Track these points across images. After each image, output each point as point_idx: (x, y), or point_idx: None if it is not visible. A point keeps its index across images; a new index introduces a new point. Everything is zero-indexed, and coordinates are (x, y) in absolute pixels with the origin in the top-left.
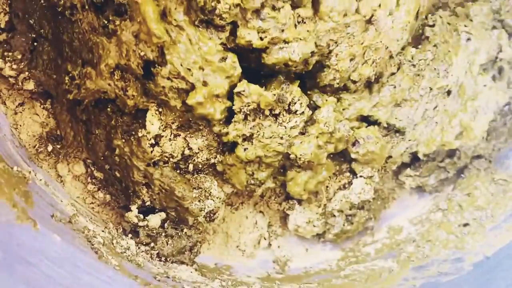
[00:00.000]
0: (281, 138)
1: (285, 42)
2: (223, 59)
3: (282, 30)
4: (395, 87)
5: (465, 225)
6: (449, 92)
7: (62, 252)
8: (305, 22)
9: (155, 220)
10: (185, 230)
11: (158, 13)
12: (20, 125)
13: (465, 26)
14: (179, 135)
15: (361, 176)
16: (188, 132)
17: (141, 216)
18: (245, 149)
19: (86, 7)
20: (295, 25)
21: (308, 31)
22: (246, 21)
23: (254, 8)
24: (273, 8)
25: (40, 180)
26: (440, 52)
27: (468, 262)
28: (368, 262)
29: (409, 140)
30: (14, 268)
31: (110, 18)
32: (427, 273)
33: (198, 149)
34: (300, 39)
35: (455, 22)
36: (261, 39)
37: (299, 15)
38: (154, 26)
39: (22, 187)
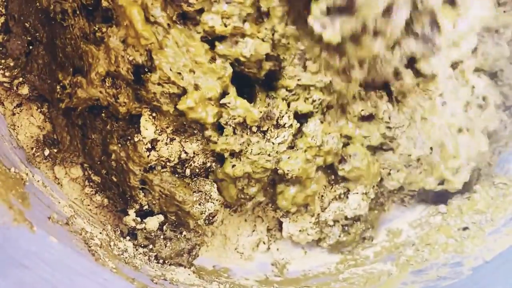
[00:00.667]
0: (269, 155)
1: (242, 36)
2: (213, 59)
3: (245, 21)
4: (365, 137)
5: (465, 229)
6: (431, 148)
7: (59, 254)
8: (264, 21)
9: (152, 223)
10: (184, 232)
11: (144, 15)
12: (18, 126)
13: (437, 88)
14: (175, 139)
15: (356, 193)
16: (183, 137)
17: (139, 219)
18: (233, 166)
19: (77, 12)
20: (256, 22)
21: (266, 29)
22: (211, 4)
23: None
24: None
25: (38, 181)
26: (417, 117)
27: (468, 267)
28: (367, 265)
29: (393, 179)
30: (9, 272)
31: (97, 26)
32: (426, 277)
33: (194, 153)
34: (258, 37)
35: (425, 86)
36: (225, 25)
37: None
38: (141, 28)
39: (19, 188)
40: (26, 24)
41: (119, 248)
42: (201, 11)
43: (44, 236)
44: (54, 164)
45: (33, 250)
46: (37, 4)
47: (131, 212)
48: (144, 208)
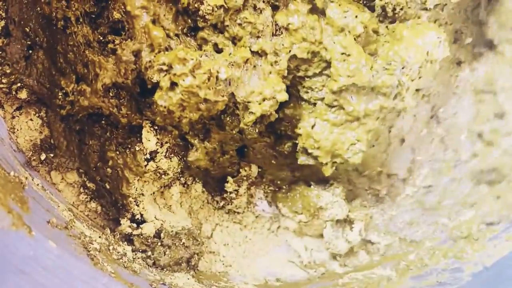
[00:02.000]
0: None
1: None
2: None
3: None
4: None
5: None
6: None
7: (57, 259)
8: None
9: (149, 228)
10: (183, 240)
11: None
12: (18, 130)
13: None
14: (175, 152)
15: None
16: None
17: (135, 225)
18: None
19: (81, 20)
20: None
21: None
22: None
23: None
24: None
25: (37, 185)
26: None
27: (467, 272)
28: (367, 270)
29: None
30: (7, 277)
31: (109, 38)
32: (426, 282)
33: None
34: None
35: None
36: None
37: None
38: (158, 33)
39: (18, 192)
40: (26, 28)
41: (118, 253)
42: (215, 26)
43: (43, 241)
44: (50, 169)
45: (31, 255)
46: (38, 9)
47: (123, 222)
48: (136, 217)
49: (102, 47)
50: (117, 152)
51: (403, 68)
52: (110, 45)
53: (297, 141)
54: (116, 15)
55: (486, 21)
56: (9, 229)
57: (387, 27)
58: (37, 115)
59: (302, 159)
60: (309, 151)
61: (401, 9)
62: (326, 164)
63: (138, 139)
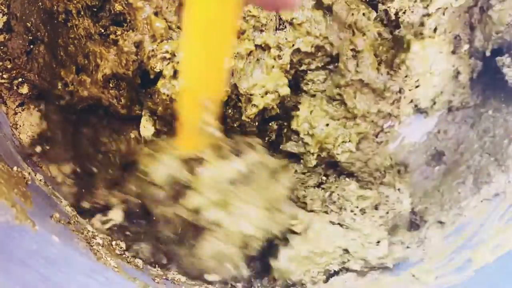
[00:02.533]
0: None
1: None
2: None
3: None
4: None
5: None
6: None
7: (60, 253)
8: None
9: (114, 214)
10: None
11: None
12: (20, 126)
13: None
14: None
15: None
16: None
17: (104, 218)
18: None
19: (82, 13)
20: None
21: None
22: None
23: None
24: None
25: (40, 180)
26: None
27: (471, 268)
28: None
29: None
30: (11, 270)
31: (111, 29)
32: None
33: None
34: None
35: None
36: None
37: None
38: (160, 25)
39: (21, 187)
40: (27, 23)
41: (120, 248)
42: None
43: (46, 235)
44: (49, 162)
45: (34, 248)
46: (40, 3)
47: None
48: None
49: (103, 38)
50: (111, 139)
51: (406, 76)
52: (112, 36)
53: (284, 125)
54: (118, 7)
55: (476, 25)
56: (13, 222)
57: (391, 32)
58: (36, 109)
59: (287, 145)
60: (301, 135)
61: (404, 12)
62: (313, 154)
63: (135, 126)
